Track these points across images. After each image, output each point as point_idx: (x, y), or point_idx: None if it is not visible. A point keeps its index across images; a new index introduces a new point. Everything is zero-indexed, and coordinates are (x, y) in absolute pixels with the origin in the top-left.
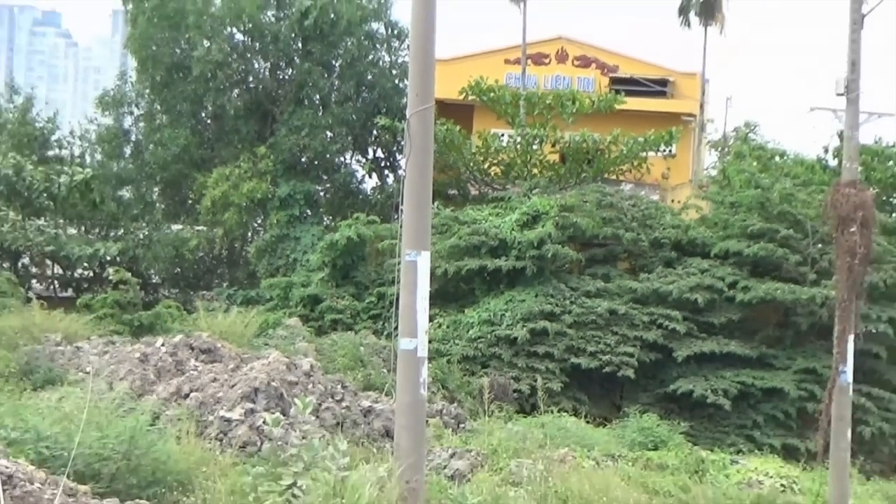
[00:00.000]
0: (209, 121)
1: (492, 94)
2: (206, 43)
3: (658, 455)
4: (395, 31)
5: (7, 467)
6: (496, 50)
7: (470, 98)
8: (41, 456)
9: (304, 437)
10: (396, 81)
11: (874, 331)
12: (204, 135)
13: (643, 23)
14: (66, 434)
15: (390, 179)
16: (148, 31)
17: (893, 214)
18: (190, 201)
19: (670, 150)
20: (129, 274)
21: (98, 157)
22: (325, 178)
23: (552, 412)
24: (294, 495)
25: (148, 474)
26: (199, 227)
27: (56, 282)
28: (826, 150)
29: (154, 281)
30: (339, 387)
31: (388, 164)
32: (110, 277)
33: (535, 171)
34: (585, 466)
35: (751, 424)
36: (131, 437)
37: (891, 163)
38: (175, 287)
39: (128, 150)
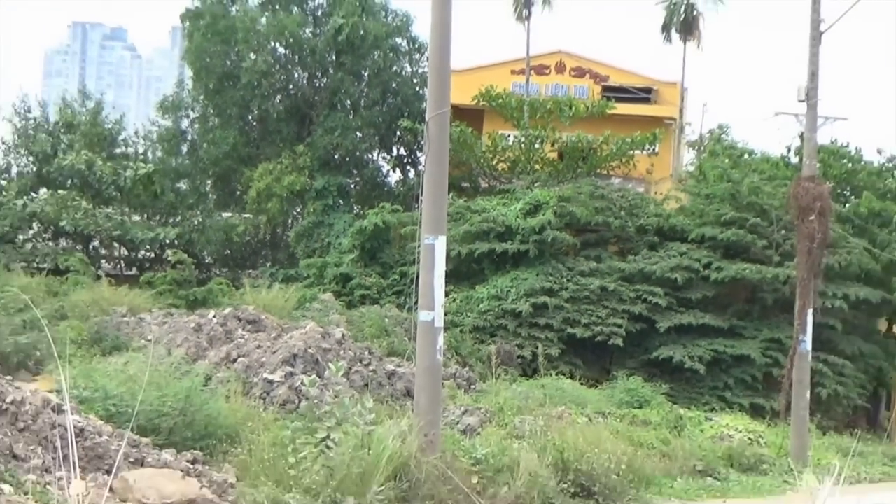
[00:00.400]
0: (255, 123)
1: (500, 101)
2: (252, 56)
3: (642, 412)
4: (416, 46)
5: (79, 422)
6: (503, 62)
7: (481, 103)
8: (109, 412)
9: (336, 397)
10: (417, 89)
11: (830, 306)
12: (250, 135)
13: (634, 35)
14: (130, 393)
15: (411, 174)
16: (202, 45)
17: (847, 205)
18: (238, 192)
19: (654, 149)
20: (185, 255)
21: (158, 154)
22: (354, 172)
23: (551, 375)
24: (327, 446)
25: (201, 428)
26: (246, 215)
27: (122, 262)
28: (789, 149)
29: (207, 261)
30: (366, 353)
31: (409, 160)
32: (169, 258)
33: (537, 166)
34: (579, 422)
35: (722, 386)
36: (187, 396)
37: (844, 160)
38: (225, 266)
39: (184, 148)
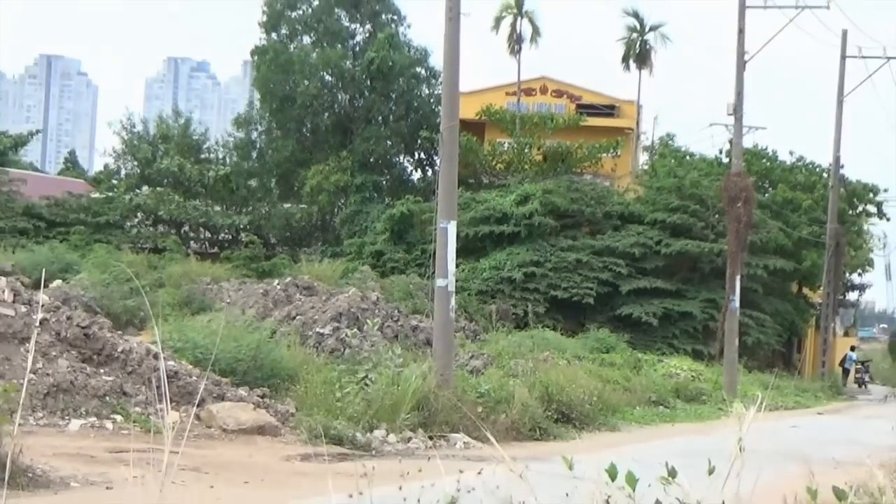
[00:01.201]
0: (308, 134)
1: (497, 116)
2: (305, 82)
3: (609, 356)
4: (432, 73)
5: (173, 366)
6: (499, 86)
7: (482, 118)
8: (196, 358)
9: (372, 345)
10: (433, 107)
11: (753, 273)
12: (304, 143)
13: (602, 62)
14: (213, 344)
15: (429, 173)
16: (267, 74)
17: (766, 195)
18: (296, 188)
19: (616, 153)
20: (255, 237)
21: (234, 158)
22: (385, 172)
23: (538, 328)
24: (366, 384)
25: (268, 371)
26: (302, 205)
27: (206, 242)
28: (721, 152)
29: (272, 241)
30: (395, 311)
31: (427, 162)
32: (242, 239)
33: (526, 167)
34: (560, 364)
35: (671, 336)
36: (257, 346)
37: (764, 160)
38: (286, 245)
39: (253, 154)
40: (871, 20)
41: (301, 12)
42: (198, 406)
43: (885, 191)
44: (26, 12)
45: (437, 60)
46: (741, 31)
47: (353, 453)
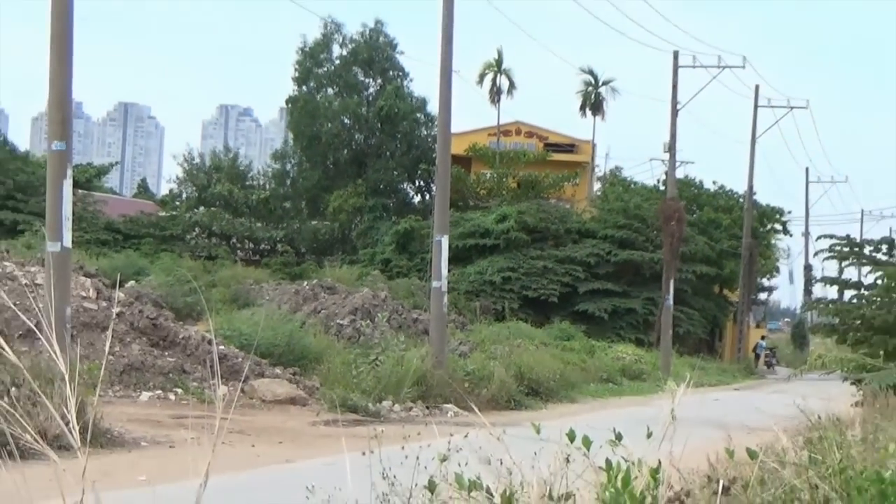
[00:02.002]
0: (331, 166)
1: (481, 152)
2: (329, 125)
3: (569, 343)
4: (430, 118)
5: (223, 350)
6: (483, 128)
7: (469, 154)
8: (241, 344)
9: (381, 334)
10: (430, 145)
11: (684, 278)
12: (328, 173)
13: (565, 106)
14: (255, 332)
15: (427, 197)
16: (298, 119)
17: (694, 215)
18: (321, 209)
19: (576, 182)
20: (289, 247)
21: (272, 185)
22: (392, 196)
23: (513, 320)
24: (376, 364)
25: (298, 354)
26: (326, 222)
27: (250, 252)
28: (658, 181)
29: (302, 251)
30: (400, 307)
31: (426, 188)
32: (279, 249)
33: (504, 192)
34: (530, 349)
35: (618, 327)
36: (289, 334)
37: (692, 188)
38: (313, 254)
39: (288, 182)
40: (779, 76)
41: (325, 69)
42: (243, 381)
43: (789, 212)
44: (108, 66)
45: (433, 107)
46: (674, 87)
47: (365, 419)
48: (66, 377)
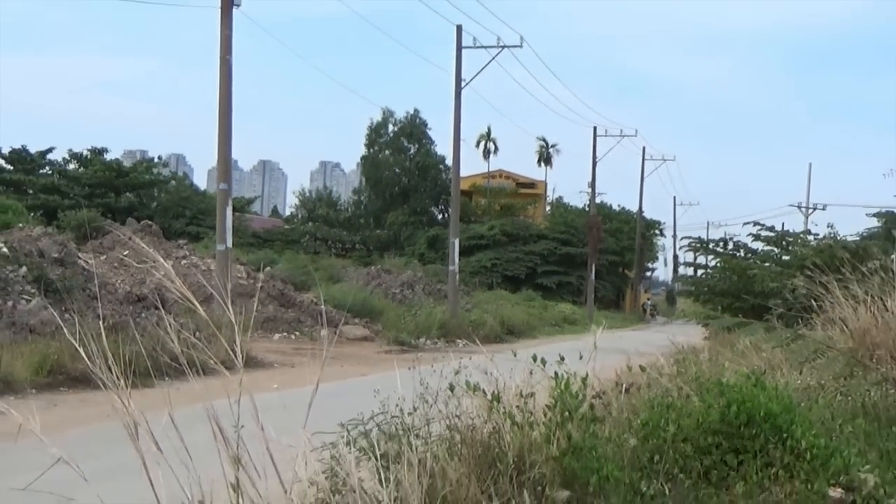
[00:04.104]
0: (388, 198)
1: (478, 188)
2: (386, 172)
3: (532, 303)
4: (447, 168)
5: (325, 308)
6: (478, 174)
7: (471, 189)
8: (334, 304)
9: (418, 298)
10: (447, 184)
11: (601, 263)
12: (386, 202)
13: (529, 159)
14: (343, 297)
15: (446, 215)
16: (368, 169)
17: (606, 226)
18: (383, 223)
19: (535, 206)
20: (363, 247)
21: (352, 209)
22: (425, 215)
23: (498, 290)
24: (415, 315)
25: (368, 310)
26: (385, 231)
27: (340, 249)
28: (585, 205)
29: (371, 249)
30: (430, 282)
31: (445, 210)
32: (357, 248)
33: (492, 213)
34: (508, 307)
35: (561, 293)
36: (364, 298)
37: (606, 208)
38: (377, 251)
39: (362, 207)
40: (659, 137)
41: (384, 139)
42: (336, 327)
43: (663, 223)
44: (252, 125)
45: (449, 160)
46: (594, 149)
47: (409, 349)
48: (233, 324)
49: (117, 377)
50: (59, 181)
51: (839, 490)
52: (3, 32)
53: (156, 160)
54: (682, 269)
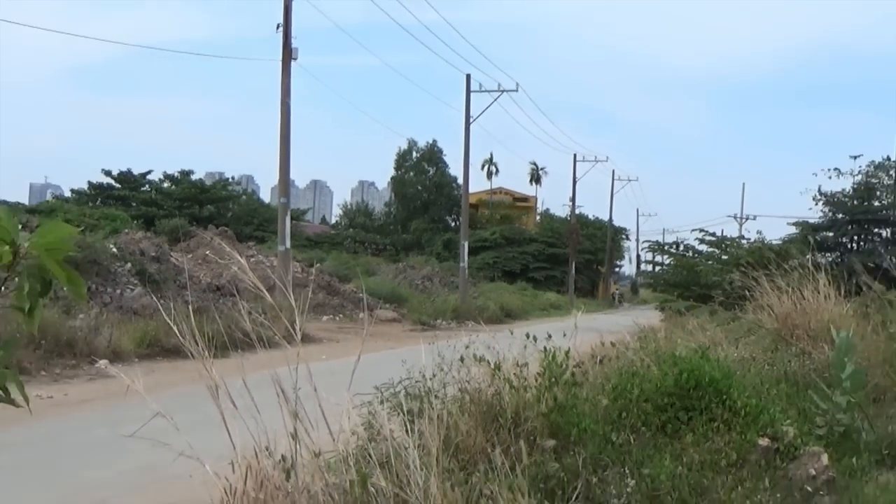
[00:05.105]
0: (412, 209)
1: (483, 202)
2: (411, 190)
3: (526, 292)
4: (458, 186)
5: (363, 295)
6: (483, 191)
7: (477, 203)
8: (370, 292)
9: (436, 287)
10: (458, 199)
11: (580, 261)
12: (410, 212)
13: (523, 178)
14: (377, 287)
15: (457, 223)
16: (396, 187)
17: (584, 231)
18: (409, 229)
19: (527, 216)
20: (392, 248)
21: (383, 218)
22: (441, 223)
23: (498, 282)
24: (433, 301)
25: (397, 297)
26: (410, 236)
27: (374, 250)
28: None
29: (398, 249)
30: (445, 275)
31: (456, 219)
32: (387, 249)
33: (493, 222)
34: (506, 295)
35: (549, 285)
36: (392, 288)
37: (583, 218)
38: (404, 251)
39: (391, 216)
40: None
41: (409, 163)
42: (371, 311)
43: (629, 230)
44: (306, 154)
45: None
46: (574, 172)
47: (429, 328)
48: (292, 307)
49: (202, 349)
50: (156, 196)
51: (766, 439)
52: (115, 80)
53: (230, 179)
54: (643, 266)
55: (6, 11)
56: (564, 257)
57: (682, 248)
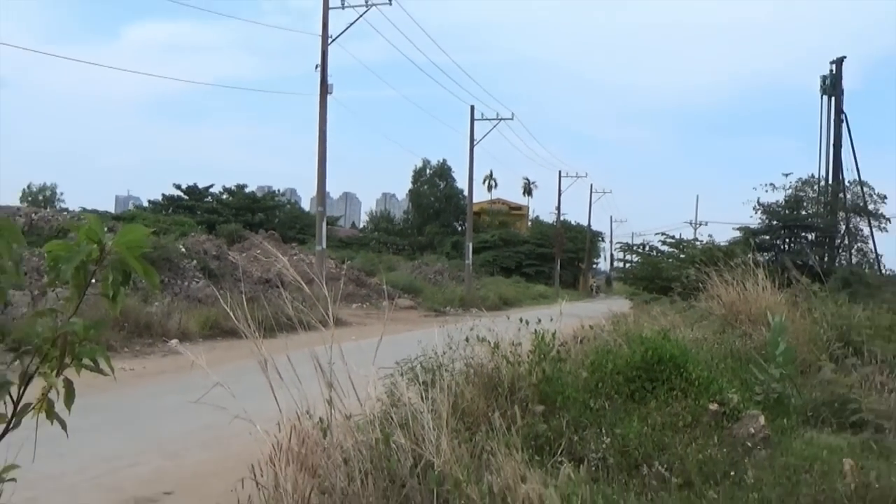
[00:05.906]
0: (427, 216)
1: (485, 211)
2: (425, 200)
3: (520, 285)
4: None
5: (385, 287)
6: (484, 201)
7: (479, 211)
8: (393, 284)
9: (445, 280)
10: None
11: (564, 259)
12: (425, 218)
13: (517, 190)
14: (397, 279)
15: (462, 228)
16: (413, 198)
17: (568, 234)
18: (423, 232)
19: (520, 222)
20: (409, 248)
21: (403, 223)
22: (449, 228)
23: (497, 276)
24: (443, 293)
25: (413, 288)
26: (424, 238)
27: (394, 249)
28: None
29: (414, 249)
30: (453, 271)
31: (462, 224)
32: (405, 249)
33: (493, 227)
34: (504, 287)
35: (539, 279)
36: (410, 280)
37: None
38: (419, 251)
39: (409, 221)
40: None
41: (424, 178)
42: (392, 300)
43: (604, 233)
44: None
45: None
46: (559, 185)
47: (440, 314)
48: (327, 297)
49: (253, 331)
50: (217, 206)
51: (715, 404)
52: (186, 110)
53: (277, 192)
54: (616, 263)
55: (111, 58)
56: (551, 256)
57: (647, 248)
